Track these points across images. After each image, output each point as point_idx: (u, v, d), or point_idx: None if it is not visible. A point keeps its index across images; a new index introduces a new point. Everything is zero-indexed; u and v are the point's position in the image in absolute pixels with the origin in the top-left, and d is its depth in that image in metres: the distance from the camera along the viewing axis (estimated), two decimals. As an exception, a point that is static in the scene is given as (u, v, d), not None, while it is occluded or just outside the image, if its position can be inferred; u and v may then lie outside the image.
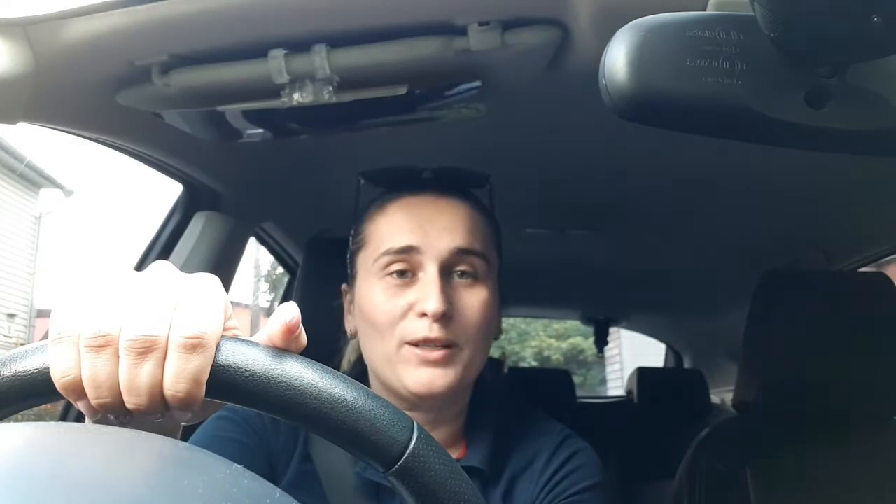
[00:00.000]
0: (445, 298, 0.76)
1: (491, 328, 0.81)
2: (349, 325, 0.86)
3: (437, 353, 0.76)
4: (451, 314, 0.77)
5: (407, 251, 0.79)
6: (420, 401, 0.78)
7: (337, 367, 0.88)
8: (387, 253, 0.79)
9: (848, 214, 1.46)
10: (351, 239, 0.87)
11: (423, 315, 0.76)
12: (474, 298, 0.79)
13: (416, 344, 0.76)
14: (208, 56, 0.80)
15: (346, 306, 0.87)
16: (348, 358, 0.90)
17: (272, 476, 0.79)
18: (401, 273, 0.79)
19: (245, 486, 0.34)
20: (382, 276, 0.79)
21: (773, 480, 1.12)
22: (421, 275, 0.78)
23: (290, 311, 0.42)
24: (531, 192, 1.43)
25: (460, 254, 0.79)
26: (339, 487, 0.80)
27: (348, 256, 0.87)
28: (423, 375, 0.76)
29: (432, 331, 0.75)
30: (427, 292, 0.76)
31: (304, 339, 0.42)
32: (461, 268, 0.79)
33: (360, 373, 0.86)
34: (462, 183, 0.87)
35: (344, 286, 0.88)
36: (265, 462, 0.80)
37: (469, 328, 0.78)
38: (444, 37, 0.76)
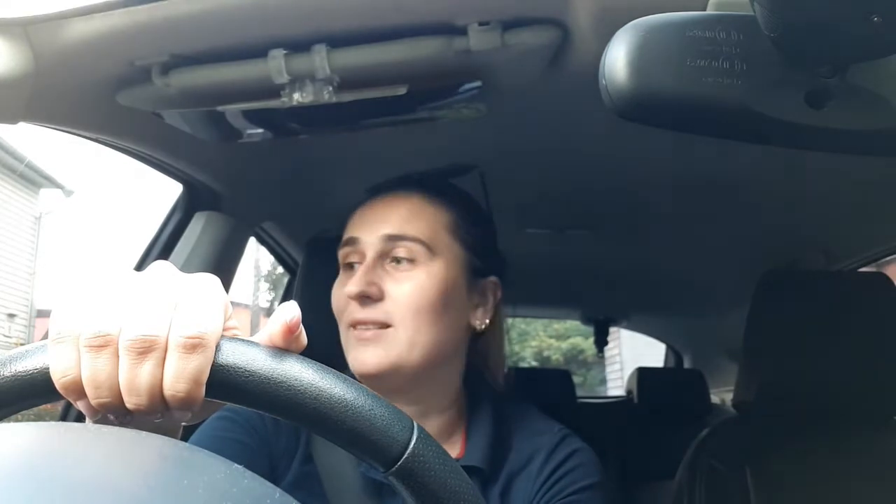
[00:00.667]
0: (367, 281, 0.81)
1: (435, 311, 0.81)
2: None
3: (367, 332, 0.80)
4: (379, 296, 0.81)
5: (351, 243, 0.85)
6: (365, 381, 0.78)
7: (342, 367, 0.89)
8: (340, 247, 0.86)
9: (848, 214, 1.45)
10: None
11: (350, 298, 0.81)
12: (408, 282, 0.81)
13: (353, 326, 0.81)
14: (208, 56, 0.80)
15: None
16: None
17: (273, 476, 0.79)
18: (350, 265, 0.85)
19: (245, 485, 0.34)
20: (341, 269, 0.87)
21: (773, 480, 1.12)
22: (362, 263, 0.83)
23: (291, 311, 0.42)
24: (531, 192, 1.43)
25: (391, 240, 0.83)
26: (340, 488, 0.80)
27: None
28: (358, 354, 0.80)
29: (357, 312, 0.81)
30: (355, 277, 0.82)
31: (304, 339, 0.42)
32: (395, 253, 0.83)
33: None
34: (440, 177, 0.91)
35: None
36: (266, 462, 0.80)
37: (401, 309, 0.80)
38: (444, 37, 0.76)
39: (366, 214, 0.87)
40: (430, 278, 0.82)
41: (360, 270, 0.82)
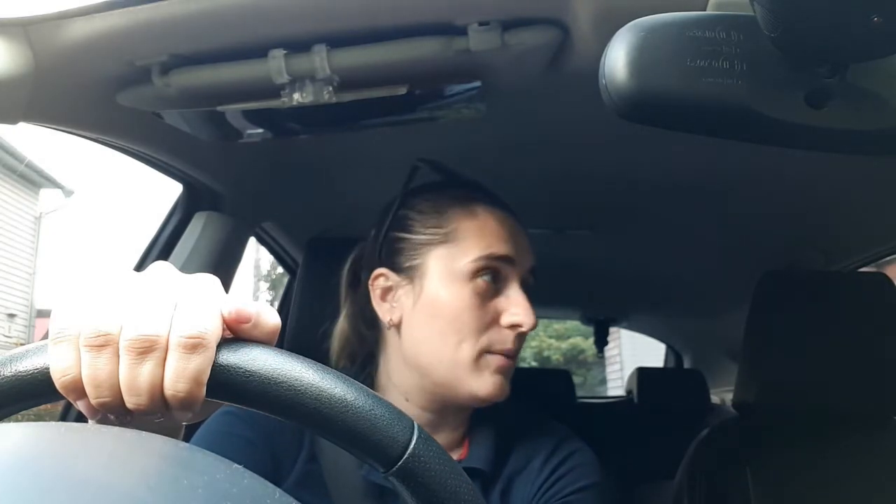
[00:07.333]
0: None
1: None
2: (388, 314, 0.83)
3: (511, 362, 0.80)
4: None
5: (503, 260, 0.80)
6: (479, 404, 0.81)
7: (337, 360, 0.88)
8: (483, 258, 0.79)
9: (848, 214, 1.45)
10: (415, 227, 0.83)
11: (513, 327, 0.79)
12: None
13: (493, 353, 0.79)
14: (208, 56, 0.80)
15: (379, 292, 0.84)
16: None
17: (277, 474, 0.79)
18: (493, 280, 0.80)
19: (245, 486, 0.34)
20: (471, 280, 0.79)
21: (773, 480, 1.12)
22: (506, 286, 0.81)
23: (229, 305, 0.41)
24: (531, 191, 1.43)
25: (532, 272, 0.84)
26: (343, 488, 0.80)
27: (398, 243, 0.83)
28: (496, 381, 0.79)
29: (515, 343, 0.80)
30: (519, 307, 0.79)
31: (266, 323, 0.41)
32: (528, 284, 0.83)
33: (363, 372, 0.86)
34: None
35: (382, 270, 0.84)
36: (270, 459, 0.80)
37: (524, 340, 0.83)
38: (444, 37, 0.76)
39: (509, 232, 0.83)
40: None
41: (524, 300, 0.80)
